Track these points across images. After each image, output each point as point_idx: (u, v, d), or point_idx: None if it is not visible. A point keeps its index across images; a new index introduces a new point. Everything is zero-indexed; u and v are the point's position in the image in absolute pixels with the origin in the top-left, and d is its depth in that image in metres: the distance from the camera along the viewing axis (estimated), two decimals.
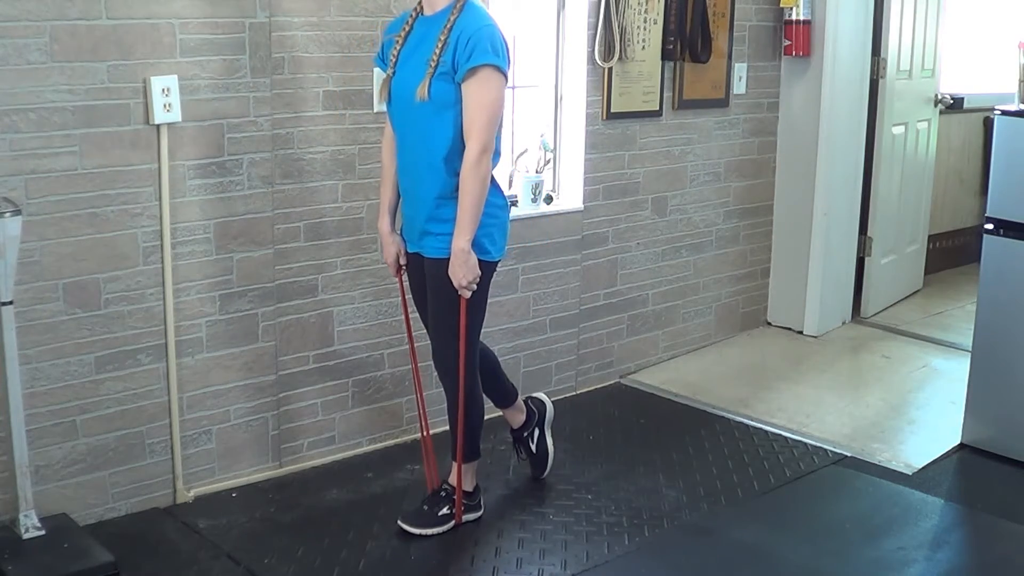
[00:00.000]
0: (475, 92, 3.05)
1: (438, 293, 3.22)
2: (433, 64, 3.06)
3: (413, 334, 3.54)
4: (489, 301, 3.38)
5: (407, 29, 3.20)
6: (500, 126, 3.20)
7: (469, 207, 3.09)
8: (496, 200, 3.24)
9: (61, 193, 3.13)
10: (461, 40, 3.03)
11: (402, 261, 3.40)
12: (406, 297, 3.50)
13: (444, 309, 3.23)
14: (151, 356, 3.39)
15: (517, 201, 4.30)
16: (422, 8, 3.19)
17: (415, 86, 3.10)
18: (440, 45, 3.06)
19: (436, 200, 3.17)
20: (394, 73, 3.19)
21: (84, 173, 3.16)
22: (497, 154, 3.23)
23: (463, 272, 3.13)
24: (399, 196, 3.37)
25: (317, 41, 3.58)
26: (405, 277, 3.45)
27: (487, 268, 3.24)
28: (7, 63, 2.98)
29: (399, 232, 3.38)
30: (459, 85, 3.06)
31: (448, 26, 3.07)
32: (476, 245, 3.17)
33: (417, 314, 3.49)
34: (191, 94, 3.31)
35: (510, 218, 3.41)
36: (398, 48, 3.19)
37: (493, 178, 3.24)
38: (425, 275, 3.28)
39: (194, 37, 3.30)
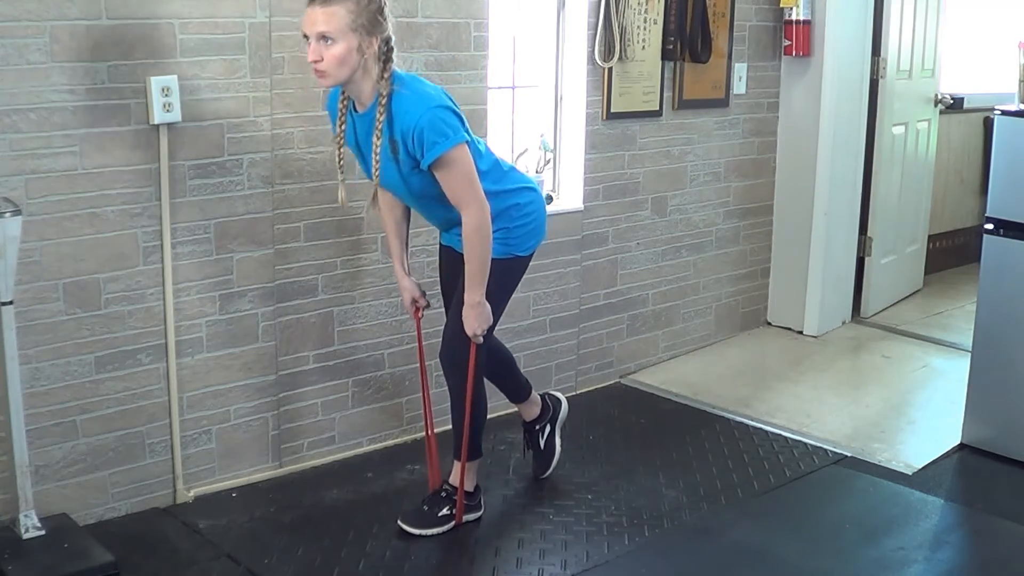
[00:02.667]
0: (446, 175, 3.03)
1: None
2: (398, 166, 3.05)
3: (422, 339, 3.55)
4: None
5: (342, 123, 3.12)
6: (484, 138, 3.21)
7: (478, 267, 3.12)
8: (520, 200, 3.27)
9: (61, 193, 3.13)
10: (407, 139, 2.99)
11: (420, 304, 3.46)
12: (422, 340, 3.54)
13: None
14: (151, 356, 3.39)
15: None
16: (353, 103, 3.09)
17: (393, 176, 3.10)
18: (394, 149, 3.02)
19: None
20: (377, 172, 3.10)
21: (84, 173, 3.16)
22: (498, 167, 3.26)
23: (477, 323, 3.19)
24: (407, 240, 3.44)
25: None
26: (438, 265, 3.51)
27: (522, 263, 3.33)
28: (7, 63, 2.98)
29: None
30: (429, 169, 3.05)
31: (379, 127, 2.99)
32: (513, 245, 3.26)
33: (428, 312, 3.53)
34: (191, 94, 3.31)
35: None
36: (343, 141, 3.15)
37: (516, 173, 3.32)
38: (460, 267, 3.27)
39: (194, 37, 3.29)
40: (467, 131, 3.07)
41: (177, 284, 3.40)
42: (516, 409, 3.78)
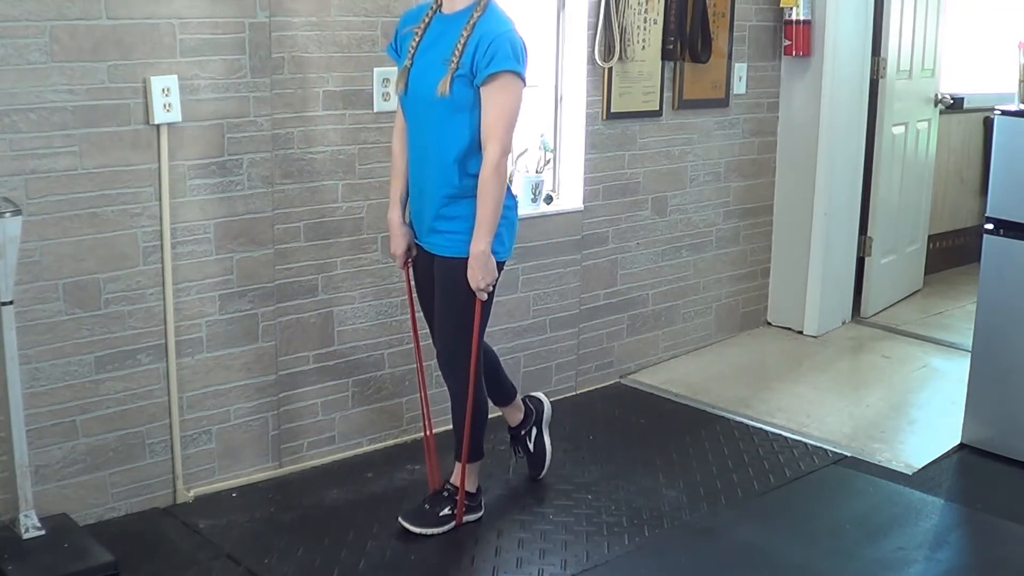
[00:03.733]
0: (495, 98, 3.04)
1: (446, 292, 3.23)
2: (453, 64, 3.04)
3: (418, 331, 3.53)
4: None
5: (426, 22, 3.18)
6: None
7: (489, 211, 3.10)
8: (506, 200, 3.24)
9: (61, 193, 3.13)
10: (482, 44, 3.02)
11: (412, 253, 3.39)
12: (412, 293, 3.48)
13: (452, 307, 3.23)
14: (151, 356, 3.39)
15: (517, 201, 4.29)
16: (441, 5, 3.17)
17: (431, 81, 3.09)
18: (461, 45, 3.04)
19: (445, 198, 3.17)
20: (411, 65, 3.17)
21: (84, 173, 3.16)
22: None
23: (482, 275, 3.13)
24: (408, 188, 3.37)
25: (317, 41, 3.57)
26: (412, 272, 3.45)
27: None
28: (7, 63, 2.98)
29: (409, 224, 3.37)
30: (477, 89, 3.05)
31: (471, 24, 3.05)
32: None
33: (420, 311, 3.48)
34: (191, 94, 3.31)
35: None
36: (416, 41, 3.17)
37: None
38: (433, 271, 3.27)
39: (194, 37, 3.29)
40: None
41: (177, 284, 3.40)
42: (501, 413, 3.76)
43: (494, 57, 3.01)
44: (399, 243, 3.37)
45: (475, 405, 3.33)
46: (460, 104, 3.08)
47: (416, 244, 3.36)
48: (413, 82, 3.17)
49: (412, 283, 3.45)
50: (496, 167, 3.06)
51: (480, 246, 3.11)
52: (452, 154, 3.12)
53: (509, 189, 3.29)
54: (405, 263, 3.41)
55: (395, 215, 3.36)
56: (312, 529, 3.39)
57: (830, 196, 5.27)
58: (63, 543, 3.07)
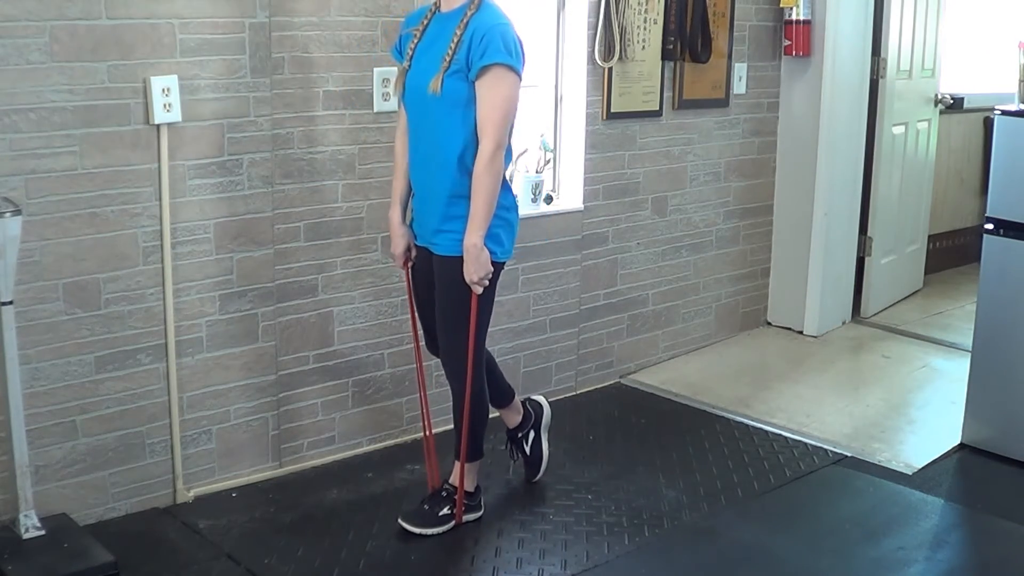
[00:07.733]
0: (488, 90, 3.06)
1: (448, 291, 3.23)
2: (447, 60, 3.07)
3: (418, 330, 3.53)
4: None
5: (425, 23, 3.21)
6: (512, 127, 3.19)
7: (482, 204, 3.10)
8: (504, 201, 3.23)
9: (61, 193, 3.13)
10: (475, 38, 3.04)
11: (412, 254, 3.39)
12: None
13: (453, 307, 3.23)
14: (151, 356, 3.39)
15: (517, 202, 4.28)
16: (439, 5, 3.20)
17: (426, 81, 3.11)
18: (455, 42, 3.07)
19: (449, 198, 3.17)
20: (410, 67, 3.20)
21: (84, 173, 3.16)
22: (508, 155, 3.24)
23: (475, 268, 3.13)
24: (411, 188, 3.36)
25: (317, 41, 3.58)
26: (411, 275, 3.44)
27: (496, 269, 3.25)
28: (7, 63, 2.98)
29: (409, 225, 3.37)
30: (473, 84, 3.07)
31: (464, 22, 3.08)
32: (488, 239, 3.19)
33: (417, 313, 3.48)
34: (191, 94, 3.31)
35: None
36: (415, 42, 3.21)
37: (504, 178, 3.26)
38: (434, 273, 3.27)
39: (194, 37, 3.30)
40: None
41: (177, 284, 3.40)
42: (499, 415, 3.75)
43: (486, 50, 3.03)
44: (399, 243, 3.38)
45: (476, 404, 3.33)
46: (454, 100, 3.09)
47: (416, 246, 3.36)
48: (410, 82, 3.19)
49: (411, 285, 3.45)
50: (490, 161, 3.07)
51: (473, 239, 3.11)
52: (454, 152, 3.13)
53: (510, 189, 3.30)
54: (405, 262, 3.41)
55: (395, 214, 3.37)
56: (312, 529, 3.39)
57: (830, 196, 5.28)
58: (63, 543, 3.07)
